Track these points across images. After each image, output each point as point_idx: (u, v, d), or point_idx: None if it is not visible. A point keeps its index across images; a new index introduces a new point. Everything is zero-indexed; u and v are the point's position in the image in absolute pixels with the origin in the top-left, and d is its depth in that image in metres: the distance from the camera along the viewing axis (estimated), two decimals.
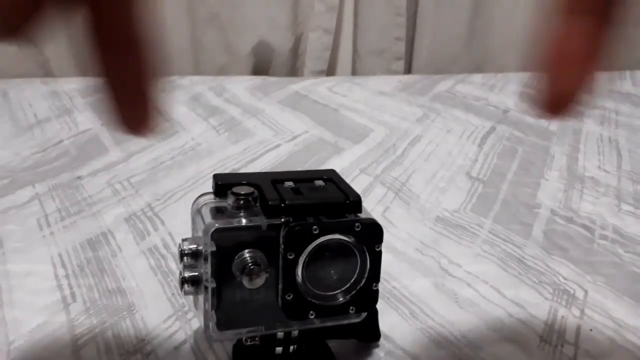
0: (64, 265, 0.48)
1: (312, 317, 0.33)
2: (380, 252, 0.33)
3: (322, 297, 0.33)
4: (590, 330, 0.42)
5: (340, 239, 0.32)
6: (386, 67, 1.33)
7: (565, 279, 0.48)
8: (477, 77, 1.19)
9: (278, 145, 0.78)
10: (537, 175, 0.70)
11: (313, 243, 0.32)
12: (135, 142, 0.77)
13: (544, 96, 0.23)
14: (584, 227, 0.57)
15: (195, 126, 0.85)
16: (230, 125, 0.86)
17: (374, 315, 0.38)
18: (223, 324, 0.32)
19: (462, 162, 0.74)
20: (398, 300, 0.45)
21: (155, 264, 0.49)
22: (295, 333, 0.35)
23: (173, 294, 0.45)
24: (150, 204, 0.60)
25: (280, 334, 0.34)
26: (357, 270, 0.33)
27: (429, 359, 0.39)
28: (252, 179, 0.34)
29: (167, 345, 0.39)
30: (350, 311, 0.33)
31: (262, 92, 1.04)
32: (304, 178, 0.35)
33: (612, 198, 0.64)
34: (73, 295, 0.44)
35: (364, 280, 0.33)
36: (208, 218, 0.32)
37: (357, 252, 0.33)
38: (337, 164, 0.72)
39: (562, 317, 0.43)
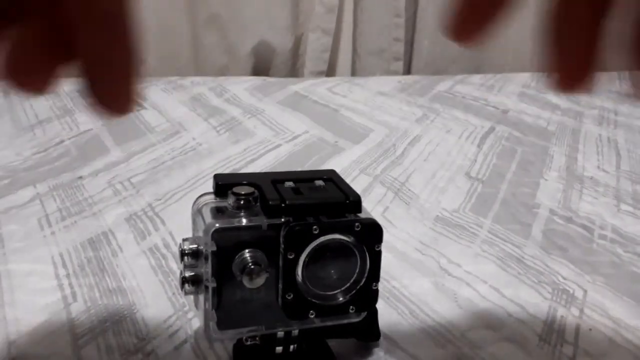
0: (64, 265, 0.48)
1: (312, 316, 0.33)
2: (380, 252, 0.33)
3: (322, 296, 0.33)
4: (590, 329, 0.42)
5: (340, 239, 0.32)
6: (385, 67, 1.33)
7: (564, 278, 0.48)
8: (476, 78, 1.19)
9: (278, 146, 0.78)
10: (536, 175, 0.70)
11: (313, 243, 0.32)
12: (137, 143, 0.78)
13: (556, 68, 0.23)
14: (583, 227, 0.57)
15: (196, 126, 0.86)
16: (231, 126, 0.86)
17: (373, 314, 0.38)
18: (223, 323, 0.33)
19: (461, 162, 0.74)
20: (398, 299, 0.45)
21: (155, 263, 0.49)
22: (296, 332, 0.35)
23: (174, 294, 0.45)
24: (151, 203, 0.60)
25: (280, 334, 0.35)
26: (357, 270, 0.33)
27: (429, 358, 0.39)
28: (252, 179, 0.34)
29: (168, 344, 0.39)
30: (350, 311, 0.34)
31: (262, 93, 1.04)
32: (304, 178, 0.35)
33: (611, 198, 0.64)
34: (74, 294, 0.45)
35: (363, 280, 0.33)
36: (208, 218, 0.32)
37: (357, 252, 0.33)
38: (337, 164, 0.72)
39: (562, 316, 0.43)
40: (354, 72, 1.35)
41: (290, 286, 0.32)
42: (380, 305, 0.36)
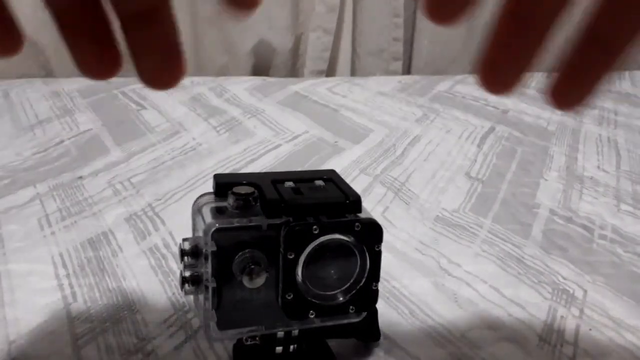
0: (64, 265, 0.48)
1: (312, 316, 0.33)
2: (380, 252, 0.33)
3: (322, 296, 0.33)
4: (590, 329, 0.42)
5: (340, 239, 0.32)
6: (385, 67, 1.33)
7: (564, 278, 0.48)
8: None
9: (278, 146, 0.78)
10: (536, 175, 0.70)
11: (313, 243, 0.32)
12: (136, 143, 0.78)
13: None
14: (583, 227, 0.57)
15: (196, 126, 0.86)
16: (231, 126, 0.86)
17: (373, 314, 0.38)
18: (223, 323, 0.33)
19: (461, 162, 0.74)
20: (398, 299, 0.45)
21: (155, 263, 0.49)
22: (296, 332, 0.35)
23: (173, 294, 0.45)
24: (150, 203, 0.60)
25: (280, 334, 0.35)
26: (357, 269, 0.33)
27: (429, 358, 0.39)
28: (252, 179, 0.34)
29: (168, 344, 0.39)
30: (350, 311, 0.34)
31: (262, 93, 1.04)
32: (304, 178, 0.35)
33: (611, 198, 0.64)
34: (74, 294, 0.45)
35: (363, 280, 0.33)
36: (208, 218, 0.32)
37: (357, 252, 0.33)
38: (337, 164, 0.72)
39: (562, 316, 0.44)
40: (353, 72, 1.35)
41: (290, 286, 0.32)
42: (380, 305, 0.36)
